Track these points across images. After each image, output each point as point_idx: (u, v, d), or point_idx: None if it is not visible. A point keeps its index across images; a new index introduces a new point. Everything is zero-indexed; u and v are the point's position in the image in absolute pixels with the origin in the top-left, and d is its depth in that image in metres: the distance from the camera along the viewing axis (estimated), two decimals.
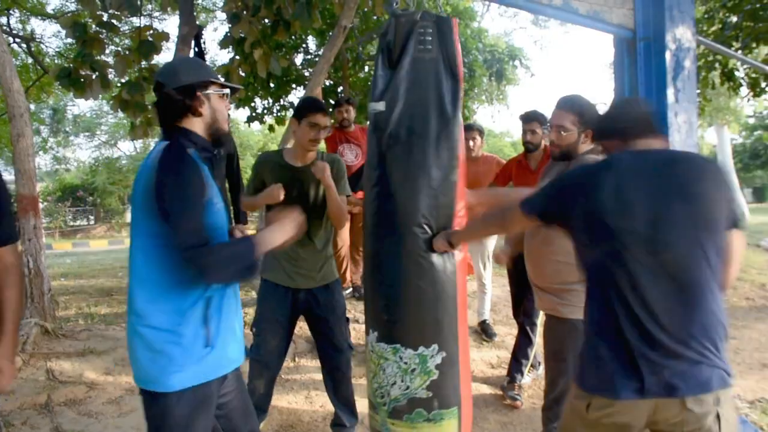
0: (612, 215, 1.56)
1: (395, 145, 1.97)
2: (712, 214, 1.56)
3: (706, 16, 6.68)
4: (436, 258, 2.01)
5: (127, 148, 28.05)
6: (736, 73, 6.87)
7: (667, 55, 3.12)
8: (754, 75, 6.74)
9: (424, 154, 1.94)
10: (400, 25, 2.00)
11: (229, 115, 1.87)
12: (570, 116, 2.48)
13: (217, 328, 1.74)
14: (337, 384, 2.96)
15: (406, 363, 2.04)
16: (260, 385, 2.86)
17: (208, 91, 1.78)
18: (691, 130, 3.24)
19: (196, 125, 1.79)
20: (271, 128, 9.04)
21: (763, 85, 6.69)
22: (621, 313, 1.55)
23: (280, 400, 3.50)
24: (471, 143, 4.73)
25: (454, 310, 2.03)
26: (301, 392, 3.55)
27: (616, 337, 1.57)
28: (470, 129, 4.81)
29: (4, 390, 2.08)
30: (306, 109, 2.76)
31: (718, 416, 1.51)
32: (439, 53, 1.98)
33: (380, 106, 2.01)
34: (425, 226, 2.00)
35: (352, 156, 5.11)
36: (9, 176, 4.07)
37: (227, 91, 1.85)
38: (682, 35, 3.19)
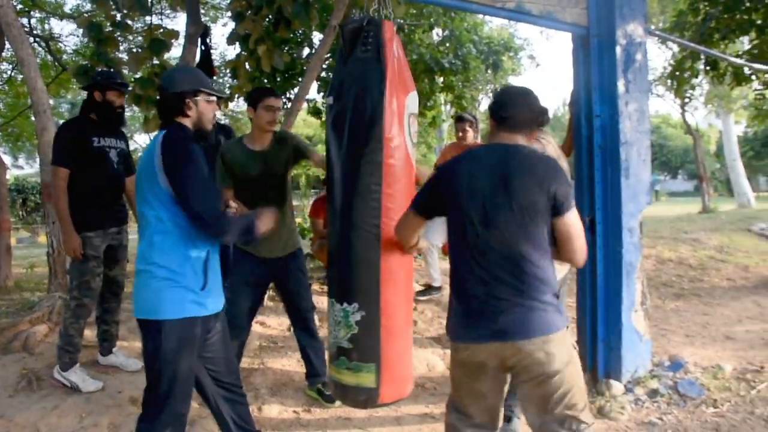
0: (463, 198, 1.92)
1: (337, 131, 2.28)
2: (529, 201, 1.86)
3: (691, 8, 6.93)
4: (360, 229, 2.25)
5: (141, 140, 28.67)
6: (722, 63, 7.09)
7: (618, 50, 3.46)
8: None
9: (353, 139, 2.22)
10: (350, 30, 2.30)
11: (214, 115, 2.30)
12: None
13: (212, 276, 2.20)
14: (308, 339, 3.39)
15: (336, 315, 2.32)
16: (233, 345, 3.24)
17: (197, 98, 2.21)
18: (642, 118, 3.57)
19: (185, 123, 2.23)
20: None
21: (747, 73, 6.88)
22: (468, 274, 1.93)
23: (275, 362, 3.92)
24: (461, 134, 5.06)
25: (376, 276, 2.25)
26: (293, 356, 3.94)
27: (464, 293, 1.95)
28: (461, 120, 5.11)
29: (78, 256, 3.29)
30: (259, 95, 3.12)
31: (547, 353, 1.85)
32: (374, 51, 2.24)
33: (330, 100, 2.35)
34: (354, 199, 2.25)
35: None
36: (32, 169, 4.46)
37: (214, 98, 2.27)
38: (633, 31, 3.51)
